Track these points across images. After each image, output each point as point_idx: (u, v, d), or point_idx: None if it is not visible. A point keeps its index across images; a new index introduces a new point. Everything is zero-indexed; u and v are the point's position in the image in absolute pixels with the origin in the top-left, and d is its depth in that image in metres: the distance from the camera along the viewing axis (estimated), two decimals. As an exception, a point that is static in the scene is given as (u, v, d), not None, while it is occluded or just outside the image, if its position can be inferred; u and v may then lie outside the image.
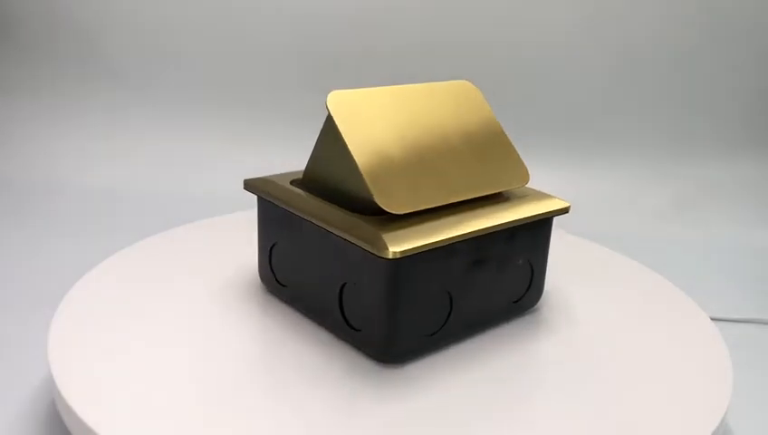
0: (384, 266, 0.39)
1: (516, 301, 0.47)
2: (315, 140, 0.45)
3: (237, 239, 0.57)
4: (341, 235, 0.40)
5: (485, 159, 0.46)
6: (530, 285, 0.47)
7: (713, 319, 0.50)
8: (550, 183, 0.92)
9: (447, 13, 0.93)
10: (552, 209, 0.46)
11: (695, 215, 0.89)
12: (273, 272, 0.47)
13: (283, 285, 0.47)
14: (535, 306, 0.49)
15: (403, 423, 0.37)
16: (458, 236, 0.40)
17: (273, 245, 0.47)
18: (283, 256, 0.46)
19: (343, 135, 0.41)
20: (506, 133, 0.49)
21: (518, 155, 0.47)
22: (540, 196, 0.47)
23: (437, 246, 0.39)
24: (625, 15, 0.92)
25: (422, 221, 0.41)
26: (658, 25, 0.92)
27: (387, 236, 0.38)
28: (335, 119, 0.41)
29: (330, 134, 0.43)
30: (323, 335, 0.44)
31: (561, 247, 0.60)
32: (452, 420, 0.37)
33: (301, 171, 0.48)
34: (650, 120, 0.95)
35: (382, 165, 0.41)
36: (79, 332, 0.43)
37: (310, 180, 0.46)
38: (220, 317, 0.46)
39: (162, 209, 0.84)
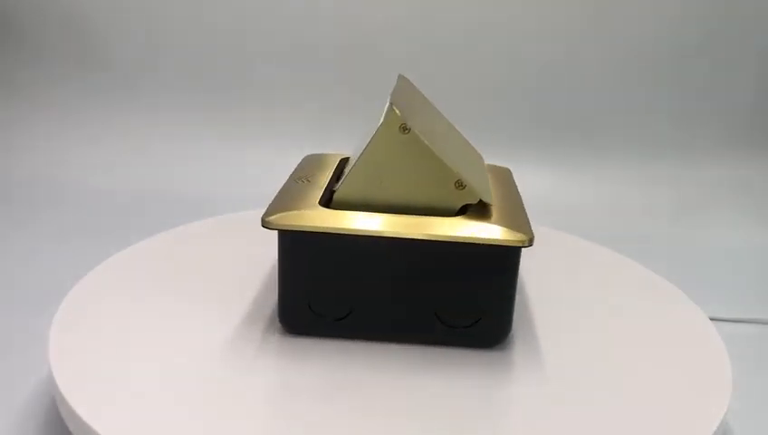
0: (514, 254, 0.41)
1: None
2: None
3: (238, 238, 0.57)
4: (459, 239, 0.40)
5: (464, 146, 0.49)
6: None
7: (712, 319, 0.50)
8: (550, 183, 0.92)
9: (445, 13, 0.93)
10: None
11: (695, 215, 0.89)
12: (311, 310, 0.43)
13: (338, 319, 0.43)
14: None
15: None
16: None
17: (317, 280, 0.42)
18: (340, 286, 0.43)
19: (428, 143, 0.41)
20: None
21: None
22: (489, 166, 0.53)
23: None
24: (625, 15, 0.92)
25: (497, 207, 0.43)
26: (659, 25, 0.92)
27: (513, 226, 0.41)
28: (414, 128, 0.41)
29: (390, 145, 0.41)
30: (398, 351, 0.43)
31: (561, 247, 0.60)
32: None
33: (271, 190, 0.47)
34: (651, 121, 0.95)
35: (458, 166, 0.42)
36: (79, 332, 0.43)
37: (349, 198, 0.42)
38: (221, 316, 0.46)
39: (162, 210, 0.84)
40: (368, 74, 0.95)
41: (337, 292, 0.43)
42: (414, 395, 0.39)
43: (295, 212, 0.41)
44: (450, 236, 0.40)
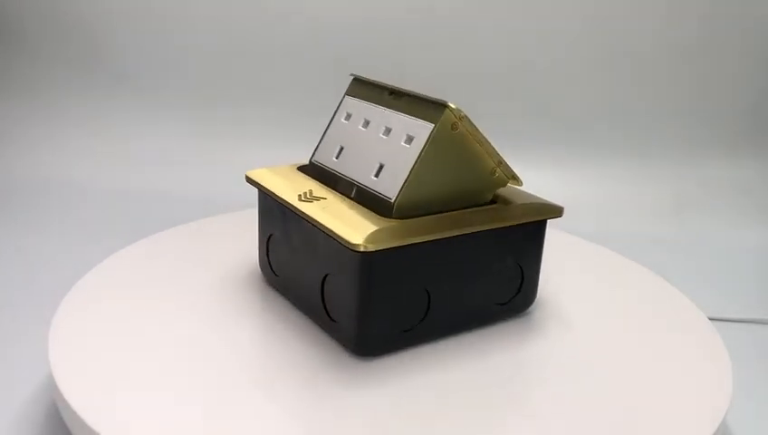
0: (545, 225, 0.46)
1: None
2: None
3: (237, 238, 0.57)
4: (530, 220, 0.44)
5: None
6: None
7: (711, 319, 0.50)
8: (550, 182, 0.92)
9: (445, 13, 0.93)
10: None
11: (694, 215, 0.89)
12: (391, 326, 0.42)
13: (411, 328, 0.42)
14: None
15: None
16: None
17: (400, 295, 0.41)
18: (417, 296, 0.42)
19: (478, 137, 0.42)
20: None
21: None
22: None
23: None
24: (625, 15, 0.92)
25: (509, 188, 0.46)
26: (658, 25, 0.92)
27: (541, 200, 0.45)
28: (468, 128, 0.41)
29: (442, 144, 0.41)
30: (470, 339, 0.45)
31: (560, 247, 0.60)
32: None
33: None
34: (650, 120, 0.95)
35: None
36: (79, 332, 0.43)
37: (408, 204, 0.41)
38: (222, 316, 0.46)
39: (162, 209, 0.84)
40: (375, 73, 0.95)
41: (414, 302, 0.42)
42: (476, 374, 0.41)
43: (378, 230, 0.38)
44: (518, 221, 0.43)
